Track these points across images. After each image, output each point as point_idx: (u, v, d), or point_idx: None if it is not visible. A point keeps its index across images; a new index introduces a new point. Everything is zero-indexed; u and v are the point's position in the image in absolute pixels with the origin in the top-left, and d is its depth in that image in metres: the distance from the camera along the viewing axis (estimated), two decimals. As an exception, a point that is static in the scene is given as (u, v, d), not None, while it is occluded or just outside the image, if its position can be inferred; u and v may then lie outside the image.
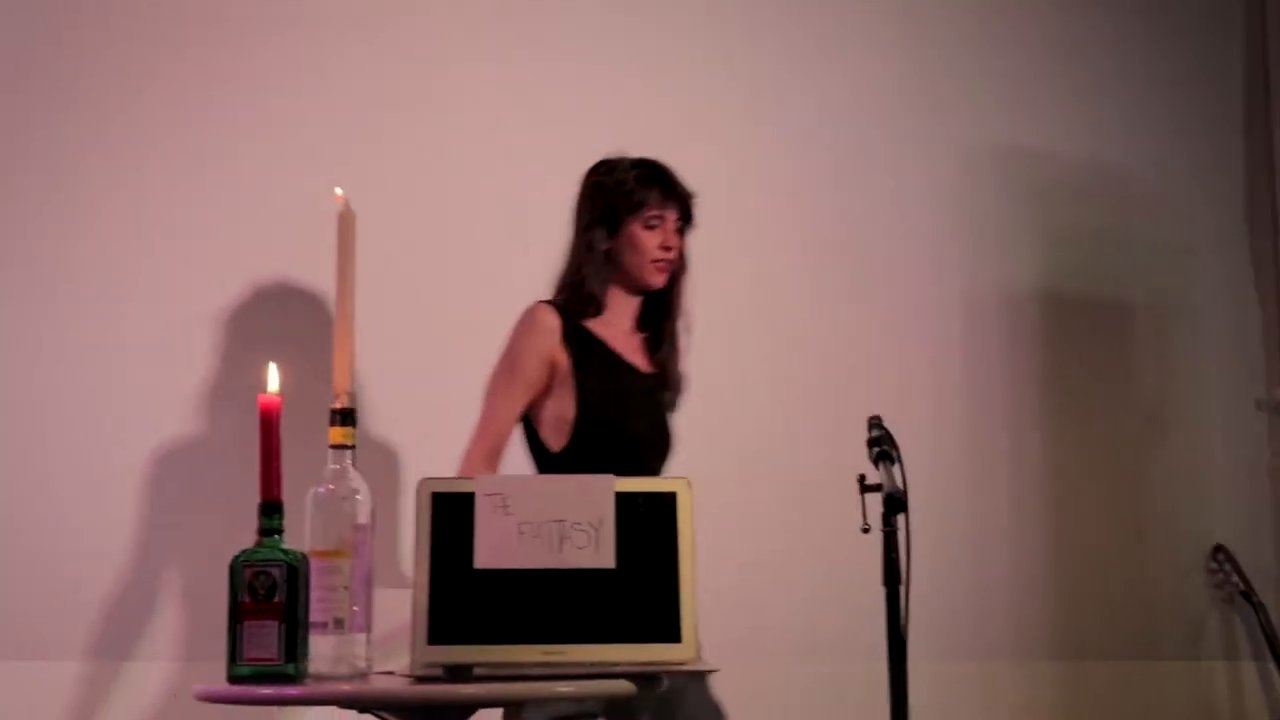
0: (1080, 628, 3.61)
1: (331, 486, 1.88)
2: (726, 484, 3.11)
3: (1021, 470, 3.70)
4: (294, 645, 1.77)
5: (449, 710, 1.82)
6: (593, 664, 1.85)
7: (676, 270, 2.81)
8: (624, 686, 1.82)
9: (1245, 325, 4.08)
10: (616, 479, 1.93)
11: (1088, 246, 3.90)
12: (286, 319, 2.93)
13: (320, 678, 1.82)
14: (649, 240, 2.75)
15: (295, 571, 1.78)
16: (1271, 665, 3.78)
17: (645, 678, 1.87)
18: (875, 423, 2.19)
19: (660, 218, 2.76)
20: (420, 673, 1.85)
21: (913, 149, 3.69)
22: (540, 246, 3.19)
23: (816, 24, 3.70)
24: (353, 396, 1.91)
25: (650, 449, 2.80)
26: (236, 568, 1.78)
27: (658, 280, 2.78)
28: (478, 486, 1.91)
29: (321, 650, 1.84)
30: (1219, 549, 3.88)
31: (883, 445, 2.11)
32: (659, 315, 2.84)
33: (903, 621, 2.00)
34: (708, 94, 3.51)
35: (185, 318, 2.99)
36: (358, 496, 1.89)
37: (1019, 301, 3.76)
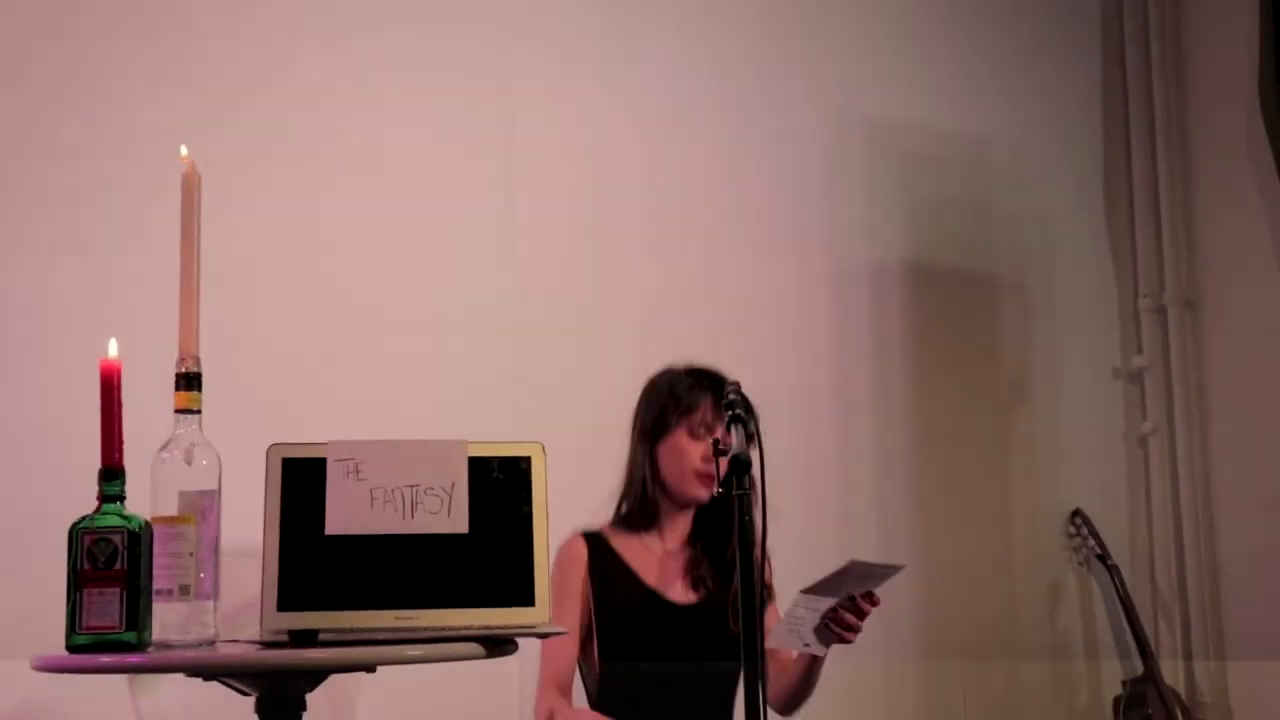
0: (943, 587, 3.67)
1: (176, 452, 1.85)
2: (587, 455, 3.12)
3: (886, 438, 3.75)
4: (136, 613, 1.74)
5: (296, 676, 1.80)
6: (445, 629, 1.85)
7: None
8: (475, 649, 1.82)
9: (1103, 295, 4.17)
10: (469, 443, 1.93)
11: (951, 216, 3.95)
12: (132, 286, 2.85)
13: (165, 646, 1.79)
14: (693, 450, 2.55)
15: (137, 538, 1.75)
16: (1124, 623, 3.89)
17: (496, 641, 1.87)
18: (733, 388, 2.20)
19: (709, 428, 2.55)
20: (268, 639, 1.84)
21: (777, 121, 3.69)
22: (397, 206, 3.19)
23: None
24: (198, 361, 1.88)
25: (688, 692, 2.55)
26: (75, 535, 1.75)
27: (700, 493, 2.54)
28: (329, 451, 1.89)
29: (167, 618, 1.81)
30: (1077, 513, 3.97)
31: (735, 409, 2.12)
32: (717, 535, 2.59)
33: (756, 585, 2.01)
34: (564, 65, 3.46)
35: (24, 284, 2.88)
36: (204, 462, 1.86)
37: (884, 271, 3.79)
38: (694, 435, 2.56)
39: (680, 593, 2.59)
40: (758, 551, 2.05)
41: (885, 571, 2.39)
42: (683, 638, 2.54)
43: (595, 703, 2.55)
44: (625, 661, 2.52)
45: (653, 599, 2.55)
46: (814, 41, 3.78)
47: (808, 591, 2.38)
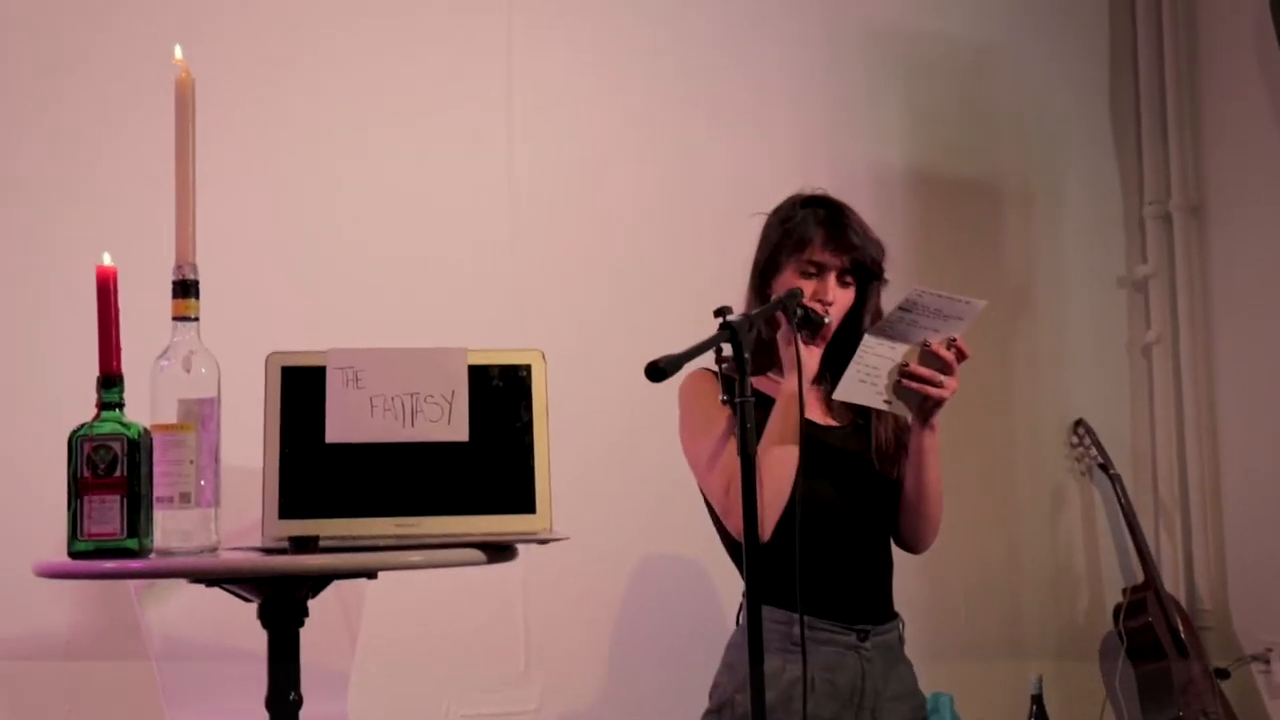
0: (945, 496, 3.68)
1: (174, 359, 1.85)
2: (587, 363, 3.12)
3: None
4: (137, 520, 1.75)
5: (298, 582, 1.81)
6: (445, 535, 1.85)
7: (864, 323, 2.44)
8: (475, 555, 1.83)
9: (1108, 202, 4.14)
10: (468, 351, 1.92)
11: (954, 125, 3.90)
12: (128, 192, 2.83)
13: (167, 553, 1.80)
14: (802, 289, 2.38)
15: (136, 445, 1.76)
16: (1126, 532, 3.91)
17: (497, 548, 1.87)
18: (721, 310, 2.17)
19: (818, 265, 2.41)
20: (269, 545, 1.84)
21: (776, 30, 3.63)
22: (397, 116, 3.16)
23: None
24: (195, 268, 1.87)
25: (849, 515, 2.45)
26: (75, 442, 1.75)
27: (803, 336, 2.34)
28: (329, 360, 1.89)
29: (169, 525, 1.82)
30: (1080, 423, 3.97)
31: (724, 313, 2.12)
32: (842, 364, 2.39)
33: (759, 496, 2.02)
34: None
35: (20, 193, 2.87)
36: (203, 370, 1.86)
37: (886, 179, 3.76)
38: (803, 274, 2.41)
39: (822, 417, 2.49)
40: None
41: (961, 308, 2.27)
42: (836, 457, 2.45)
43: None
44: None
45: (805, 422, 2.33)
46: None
47: (875, 334, 2.30)
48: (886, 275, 2.50)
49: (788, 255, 2.44)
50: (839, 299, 2.43)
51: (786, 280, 2.43)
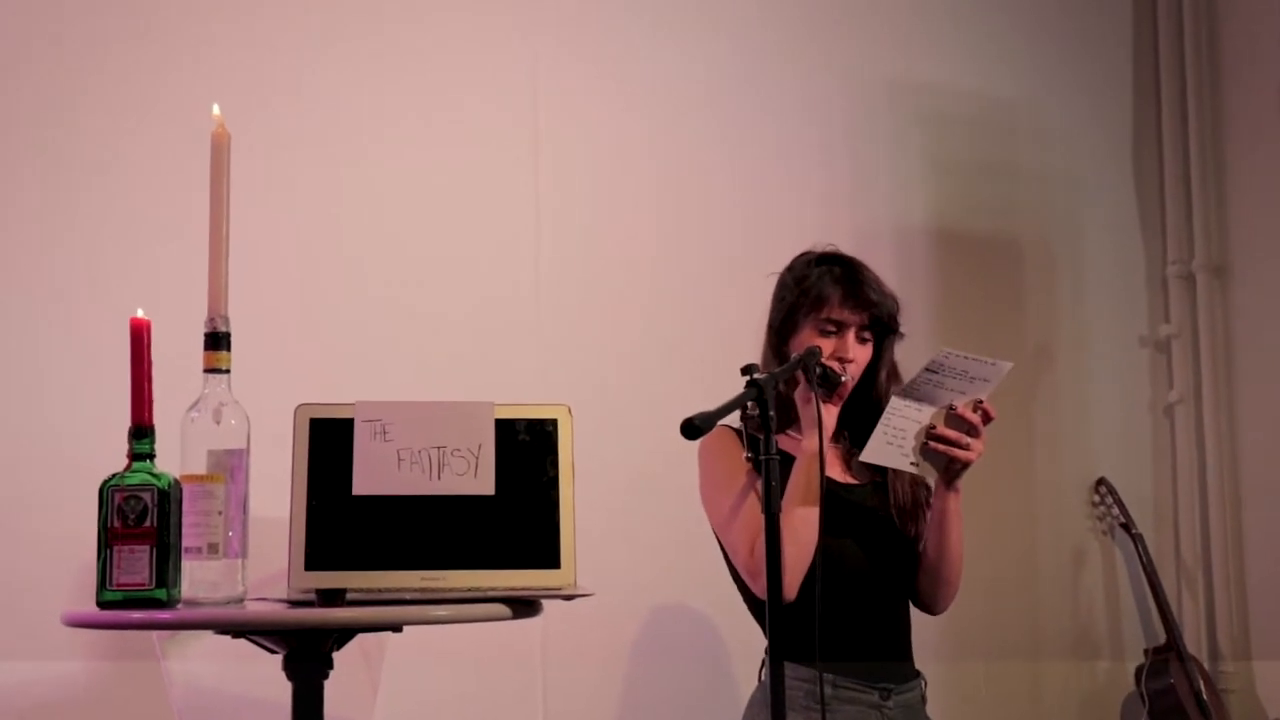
0: (966, 560, 3.66)
1: (205, 411, 1.86)
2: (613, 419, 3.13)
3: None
4: (165, 570, 1.76)
5: (323, 635, 1.82)
6: (471, 590, 1.86)
7: (882, 381, 2.47)
8: (500, 610, 1.83)
9: (1130, 261, 4.14)
10: (495, 405, 1.94)
11: (976, 178, 3.91)
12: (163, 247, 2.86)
13: (194, 603, 1.81)
14: (822, 347, 2.37)
15: (166, 496, 1.77)
16: (1148, 592, 3.89)
17: (522, 603, 1.88)
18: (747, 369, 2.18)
19: (836, 324, 2.42)
20: (296, 598, 1.85)
21: (800, 81, 3.66)
22: (424, 170, 3.19)
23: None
24: (226, 320, 1.89)
25: (872, 573, 2.44)
26: (106, 492, 1.76)
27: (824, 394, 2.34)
28: (356, 412, 1.90)
29: (197, 576, 1.83)
30: (1101, 482, 3.96)
31: (751, 371, 2.13)
32: (864, 429, 2.40)
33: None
34: (588, 32, 3.46)
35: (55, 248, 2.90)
36: (232, 421, 1.87)
37: (908, 233, 3.77)
38: (822, 332, 2.42)
39: (842, 475, 2.48)
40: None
41: (987, 370, 2.28)
42: (858, 516, 2.44)
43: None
44: None
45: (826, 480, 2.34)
46: (834, 2, 3.75)
47: (902, 395, 2.30)
48: (904, 330, 2.51)
49: (805, 314, 2.45)
50: (858, 356, 2.43)
51: (805, 339, 2.43)
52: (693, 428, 1.98)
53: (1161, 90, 4.17)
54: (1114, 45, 4.19)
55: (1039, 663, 3.85)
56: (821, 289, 2.44)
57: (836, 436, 2.48)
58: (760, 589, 2.23)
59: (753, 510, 2.28)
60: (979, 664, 3.69)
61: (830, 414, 2.36)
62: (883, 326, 2.46)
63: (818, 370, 2.29)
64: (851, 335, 2.43)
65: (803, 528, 2.26)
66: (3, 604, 2.68)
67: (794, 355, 2.35)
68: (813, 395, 2.25)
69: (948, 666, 3.42)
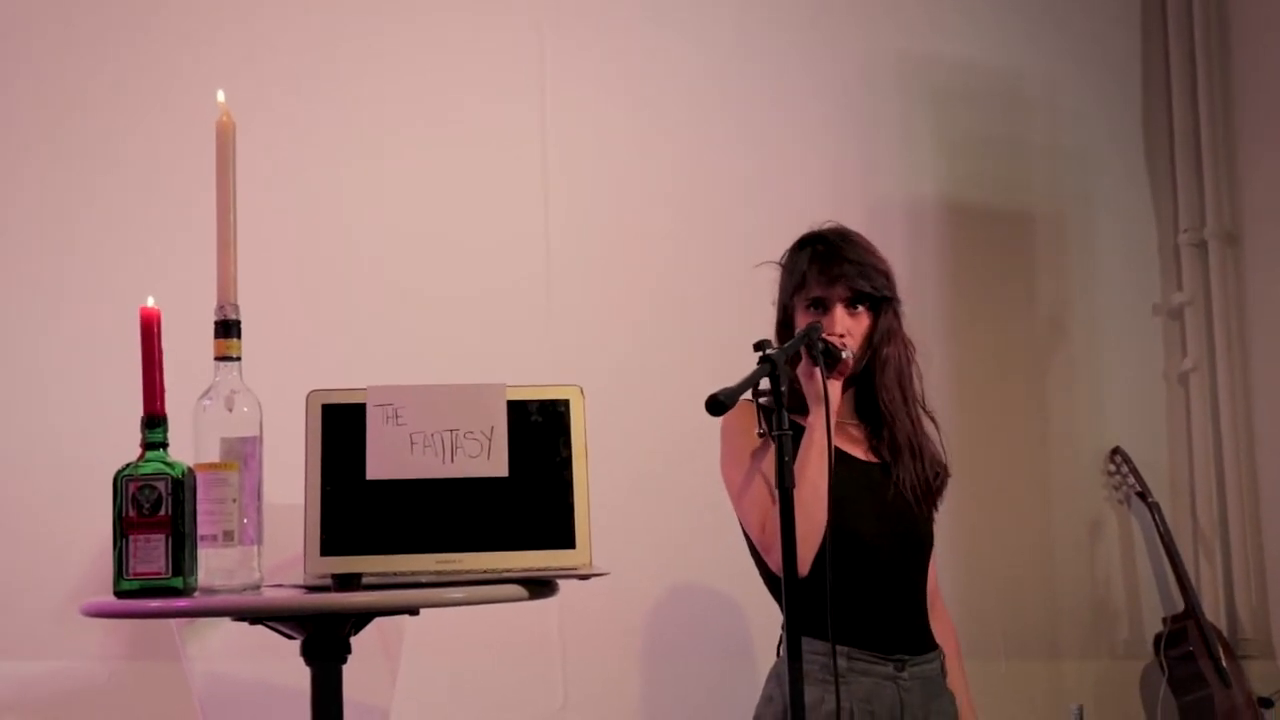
0: (982, 527, 3.67)
1: (217, 399, 1.86)
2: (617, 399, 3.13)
3: (925, 378, 3.73)
4: (181, 559, 1.76)
5: (340, 619, 1.82)
6: (486, 571, 1.86)
7: (884, 353, 2.47)
8: (517, 591, 1.84)
9: (1143, 230, 4.13)
10: (507, 386, 1.93)
11: (986, 152, 3.90)
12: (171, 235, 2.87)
13: (211, 591, 1.81)
14: (820, 324, 2.38)
15: (180, 485, 1.77)
16: (1165, 560, 3.88)
17: (538, 583, 1.88)
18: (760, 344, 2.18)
19: (821, 300, 2.44)
20: (312, 583, 1.86)
21: (808, 57, 3.65)
22: (433, 153, 3.19)
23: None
24: (236, 308, 1.89)
25: (889, 549, 2.44)
26: (120, 482, 1.76)
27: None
28: (369, 397, 1.90)
29: (212, 564, 1.83)
30: (1117, 451, 3.95)
31: (763, 347, 2.13)
32: (871, 401, 2.48)
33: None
34: (595, 15, 3.45)
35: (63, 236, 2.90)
36: (245, 409, 1.88)
37: (919, 208, 3.76)
38: (808, 310, 2.44)
39: (861, 451, 2.49)
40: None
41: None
42: (874, 489, 2.45)
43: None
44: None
45: (839, 454, 2.39)
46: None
47: None
48: (901, 297, 2.51)
49: (793, 296, 2.48)
50: (852, 329, 2.43)
51: (801, 321, 2.45)
52: (717, 403, 1.99)
53: (1171, 58, 4.15)
54: (1123, 15, 4.17)
55: (1058, 633, 3.84)
56: (802, 268, 2.46)
57: (849, 415, 2.49)
58: (774, 563, 2.24)
59: (762, 487, 2.29)
60: (998, 634, 3.69)
61: (834, 388, 2.35)
62: (867, 296, 2.45)
63: (819, 345, 2.29)
64: (839, 310, 2.43)
65: (813, 500, 2.26)
66: (13, 600, 2.69)
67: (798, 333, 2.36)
68: (815, 371, 2.26)
69: (966, 637, 3.42)
